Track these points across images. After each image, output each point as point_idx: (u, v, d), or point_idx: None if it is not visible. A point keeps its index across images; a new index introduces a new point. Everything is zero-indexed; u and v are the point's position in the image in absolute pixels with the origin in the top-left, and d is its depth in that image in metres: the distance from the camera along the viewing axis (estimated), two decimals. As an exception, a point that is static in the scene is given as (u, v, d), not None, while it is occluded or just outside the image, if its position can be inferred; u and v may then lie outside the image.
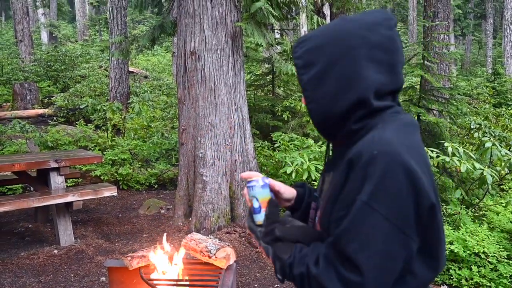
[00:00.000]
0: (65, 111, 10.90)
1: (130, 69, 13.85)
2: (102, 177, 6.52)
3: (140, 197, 6.41)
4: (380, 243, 0.88)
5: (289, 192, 1.26)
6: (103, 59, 16.34)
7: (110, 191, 4.55)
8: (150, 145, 7.68)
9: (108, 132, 8.21)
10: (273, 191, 1.20)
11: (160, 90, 13.54)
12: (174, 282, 2.69)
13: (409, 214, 0.89)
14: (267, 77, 8.75)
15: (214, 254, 2.78)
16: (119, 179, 6.70)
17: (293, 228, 1.09)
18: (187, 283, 2.70)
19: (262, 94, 9.50)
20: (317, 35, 1.04)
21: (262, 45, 4.81)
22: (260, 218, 1.13)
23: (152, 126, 8.98)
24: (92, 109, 8.64)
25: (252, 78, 9.73)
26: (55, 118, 10.37)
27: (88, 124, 9.13)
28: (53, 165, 4.33)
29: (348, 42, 0.99)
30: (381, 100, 1.00)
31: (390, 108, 1.02)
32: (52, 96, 12.43)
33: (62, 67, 14.44)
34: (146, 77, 16.12)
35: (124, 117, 8.58)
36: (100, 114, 8.39)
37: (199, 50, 4.71)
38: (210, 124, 4.73)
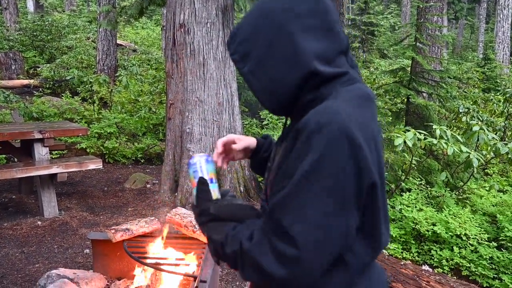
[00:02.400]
0: (51, 83, 10.69)
1: (119, 41, 13.56)
2: (87, 150, 6.44)
3: (126, 171, 6.36)
4: (318, 216, 0.83)
5: (245, 142, 1.25)
6: (91, 31, 15.96)
7: (95, 164, 4.49)
8: (137, 119, 7.58)
9: (95, 105, 8.08)
10: (228, 143, 1.23)
11: (148, 64, 13.31)
12: (159, 256, 2.68)
13: (350, 189, 0.85)
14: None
15: (199, 229, 2.76)
16: (105, 152, 6.63)
17: (230, 206, 1.03)
18: (171, 257, 2.69)
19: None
20: (244, 24, 1.00)
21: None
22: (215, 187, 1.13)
23: (139, 100, 8.85)
24: (79, 81, 8.47)
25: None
26: (40, 89, 10.16)
27: (75, 97, 8.97)
28: (37, 136, 4.24)
29: (277, 21, 0.95)
30: (330, 65, 0.96)
31: (344, 75, 0.97)
32: (38, 67, 12.16)
33: (49, 37, 14.07)
34: (134, 50, 15.83)
35: (111, 90, 8.44)
36: (86, 86, 8.22)
37: (188, 23, 4.60)
38: (198, 99, 4.66)
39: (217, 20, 4.66)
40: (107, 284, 2.96)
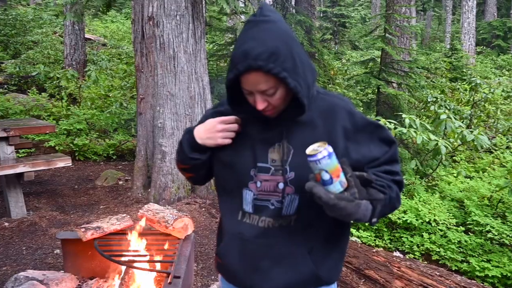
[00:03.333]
0: (17, 79, 10.32)
1: (87, 36, 13.21)
2: (56, 148, 6.27)
3: (97, 168, 6.23)
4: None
5: None
6: (58, 25, 15.46)
7: (64, 162, 4.38)
8: (108, 115, 7.42)
9: (63, 101, 7.86)
10: None
11: (119, 59, 13.03)
12: (131, 253, 2.64)
13: None
14: (230, 47, 8.58)
15: (172, 225, 2.74)
16: (75, 149, 6.47)
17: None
18: (144, 253, 2.65)
19: (225, 64, 9.34)
20: (278, 44, 1.12)
21: (226, 12, 4.66)
22: (335, 187, 1.07)
23: (110, 95, 8.67)
24: (45, 77, 8.21)
25: (214, 48, 9.51)
26: (5, 86, 9.81)
27: (42, 93, 8.71)
28: (1, 134, 4.10)
29: (295, 39, 1.18)
30: None
31: None
32: (2, 63, 11.71)
33: (13, 32, 13.56)
34: (104, 44, 15.44)
35: (80, 85, 8.22)
36: (54, 82, 7.98)
37: (157, 15, 4.51)
38: (169, 93, 4.60)
39: (187, 12, 4.59)
40: (78, 284, 2.90)
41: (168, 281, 2.29)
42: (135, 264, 2.52)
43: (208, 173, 1.40)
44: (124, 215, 3.00)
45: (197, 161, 1.32)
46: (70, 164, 4.44)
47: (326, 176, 1.06)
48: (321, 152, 1.06)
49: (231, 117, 1.27)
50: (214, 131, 1.27)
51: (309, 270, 1.23)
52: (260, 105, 1.15)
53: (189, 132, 1.33)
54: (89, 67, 10.07)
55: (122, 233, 2.88)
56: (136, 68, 4.91)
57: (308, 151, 1.08)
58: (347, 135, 1.22)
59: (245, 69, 1.09)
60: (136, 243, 2.73)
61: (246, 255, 1.25)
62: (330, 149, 1.08)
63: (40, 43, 13.05)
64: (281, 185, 1.20)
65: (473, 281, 2.81)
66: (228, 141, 1.26)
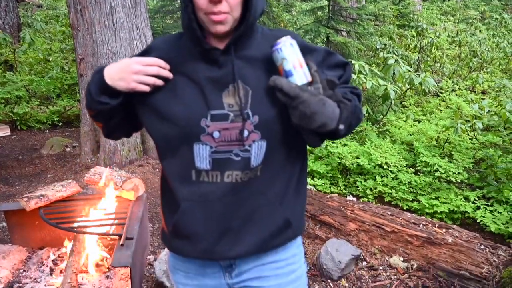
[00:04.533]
0: None
1: (18, -4, 12.18)
2: (-5, 118, 5.87)
3: (42, 136, 5.91)
4: None
5: None
6: (-16, -15, 14.15)
7: (1, 131, 4.10)
8: (49, 80, 6.98)
9: (-2, 68, 7.30)
10: None
11: (57, 21, 12.18)
12: (80, 219, 2.53)
13: None
14: (176, 2, 8.19)
15: (121, 186, 2.63)
16: (15, 119, 6.08)
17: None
18: (94, 218, 2.54)
19: (172, 21, 8.94)
20: None
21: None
22: (299, 78, 1.00)
23: (50, 60, 8.13)
24: (-26, 43, 7.53)
25: (159, 4, 9.06)
26: None
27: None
28: None
29: None
30: None
31: None
32: None
33: None
34: (40, 6, 14.36)
35: (15, 50, 7.64)
36: (-15, 48, 7.37)
37: (89, -33, 4.16)
38: (110, 52, 4.33)
39: (122, -38, 4.26)
40: (28, 256, 2.78)
41: (120, 243, 2.22)
42: (85, 230, 2.42)
43: (124, 124, 1.20)
44: (70, 181, 2.86)
45: (105, 106, 1.10)
46: (9, 133, 4.18)
47: (288, 66, 1.01)
48: (283, 40, 1.02)
49: (153, 59, 1.07)
50: (128, 72, 1.05)
51: (281, 219, 1.14)
52: None
53: (99, 72, 1.10)
54: (24, 30, 9.36)
55: (69, 200, 2.75)
56: (71, 26, 4.56)
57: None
58: None
59: None
60: (85, 209, 2.62)
61: (213, 219, 1.08)
62: (293, 41, 1.03)
63: (-34, 6, 11.93)
64: (245, 133, 1.04)
65: (422, 217, 2.92)
66: (144, 87, 1.07)
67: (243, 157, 1.05)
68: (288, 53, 1.01)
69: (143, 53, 1.14)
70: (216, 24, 1.01)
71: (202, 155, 1.06)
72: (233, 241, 1.10)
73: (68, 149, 5.18)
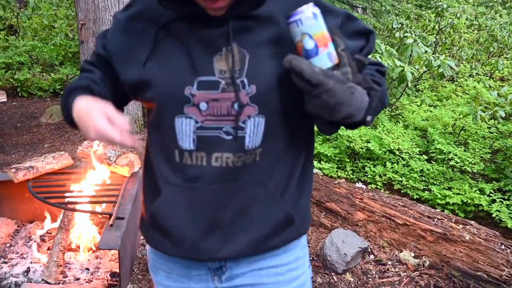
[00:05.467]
0: None
1: (25, -42, 11.85)
2: (-5, 84, 5.70)
3: (43, 104, 5.75)
4: None
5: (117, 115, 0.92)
6: None
7: (-3, 97, 3.93)
8: (52, 47, 6.77)
9: (0, 32, 7.09)
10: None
11: (64, -14, 11.87)
12: (70, 194, 2.36)
13: None
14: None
15: (114, 161, 2.46)
16: (16, 85, 5.91)
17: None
18: (85, 194, 2.38)
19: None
20: None
21: None
22: (322, 61, 0.78)
23: (55, 26, 7.90)
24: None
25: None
26: None
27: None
28: None
29: None
30: None
31: None
32: None
33: None
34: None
35: (18, 13, 7.41)
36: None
37: None
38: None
39: None
40: (16, 229, 2.64)
41: (110, 223, 2.06)
42: (74, 206, 2.26)
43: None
44: (62, 152, 2.69)
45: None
46: (5, 100, 4.00)
47: (310, 44, 0.78)
48: (304, 10, 0.78)
49: (122, 119, 0.83)
50: (91, 126, 0.82)
51: (282, 213, 0.94)
52: None
53: (71, 97, 0.91)
54: (29, -6, 9.09)
55: (60, 173, 2.59)
56: (74, -11, 4.33)
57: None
58: None
59: None
60: (76, 183, 2.46)
61: (200, 211, 0.90)
62: (317, 10, 0.80)
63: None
64: (236, 106, 0.85)
65: (436, 210, 2.73)
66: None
67: (235, 136, 0.86)
68: (311, 26, 0.78)
69: (128, 6, 0.96)
70: (212, 11, 0.83)
71: (185, 132, 0.87)
72: (223, 238, 0.91)
73: (67, 119, 5.02)
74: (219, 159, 0.87)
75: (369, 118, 0.82)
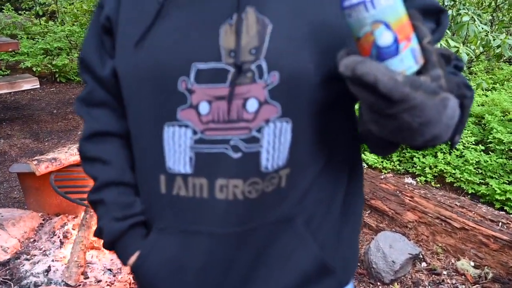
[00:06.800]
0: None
1: None
2: (34, 69, 5.70)
3: (81, 90, 5.69)
4: None
5: None
6: None
7: (30, 84, 3.87)
8: (90, 31, 6.72)
9: (41, 18, 7.13)
10: None
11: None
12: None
13: None
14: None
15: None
16: (54, 71, 5.91)
17: None
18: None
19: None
20: None
21: None
22: (404, 62, 0.49)
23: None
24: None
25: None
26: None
27: (26, 12, 7.92)
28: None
29: None
30: None
31: None
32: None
33: None
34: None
35: (57, -1, 7.44)
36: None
37: None
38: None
39: None
40: (41, 223, 2.54)
41: (131, 223, 1.89)
42: (96, 202, 2.12)
43: None
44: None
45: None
46: (38, 86, 3.94)
47: (386, 38, 0.48)
48: None
49: None
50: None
51: (314, 260, 0.65)
52: None
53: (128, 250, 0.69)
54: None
55: (85, 164, 2.45)
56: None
57: None
58: None
59: None
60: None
61: (195, 270, 0.63)
62: None
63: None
64: (253, 104, 0.56)
65: (502, 212, 2.38)
66: None
67: (245, 153, 0.57)
68: (389, 9, 0.48)
69: None
70: None
71: (178, 147, 0.59)
72: None
73: (102, 105, 4.95)
74: (224, 189, 0.58)
75: (457, 138, 0.56)
